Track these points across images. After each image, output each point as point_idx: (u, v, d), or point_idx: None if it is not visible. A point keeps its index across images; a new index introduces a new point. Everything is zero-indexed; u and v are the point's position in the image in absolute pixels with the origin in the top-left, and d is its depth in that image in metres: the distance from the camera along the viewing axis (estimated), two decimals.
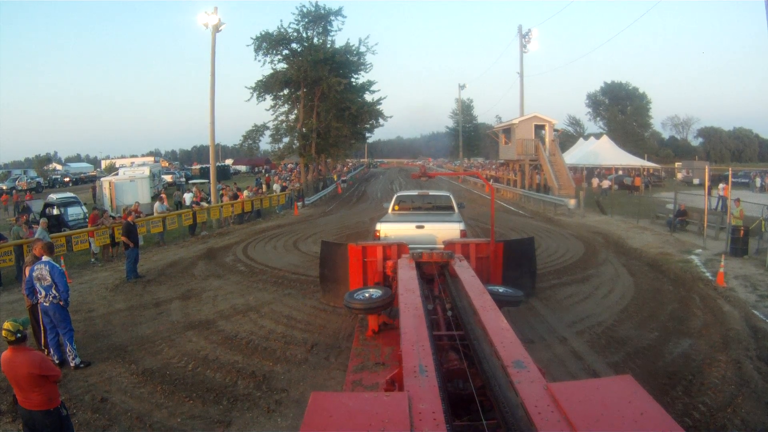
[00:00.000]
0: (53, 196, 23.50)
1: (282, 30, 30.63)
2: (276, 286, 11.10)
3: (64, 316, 6.95)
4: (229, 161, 73.82)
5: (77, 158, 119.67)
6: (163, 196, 21.01)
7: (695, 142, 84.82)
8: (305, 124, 32.03)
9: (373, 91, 36.98)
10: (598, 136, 52.04)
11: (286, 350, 7.38)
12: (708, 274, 10.93)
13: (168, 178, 46.85)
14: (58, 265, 7.08)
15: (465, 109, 73.71)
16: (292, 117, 34.14)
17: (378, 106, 36.94)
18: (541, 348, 7.13)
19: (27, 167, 73.45)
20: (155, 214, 17.87)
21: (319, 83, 30.59)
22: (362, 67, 34.15)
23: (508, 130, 32.94)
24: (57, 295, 6.78)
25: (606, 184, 33.97)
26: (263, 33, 30.44)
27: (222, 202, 23.01)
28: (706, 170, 17.82)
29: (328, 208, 28.29)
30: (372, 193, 37.72)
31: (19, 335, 4.30)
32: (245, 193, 24.97)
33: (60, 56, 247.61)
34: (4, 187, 42.91)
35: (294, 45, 31.44)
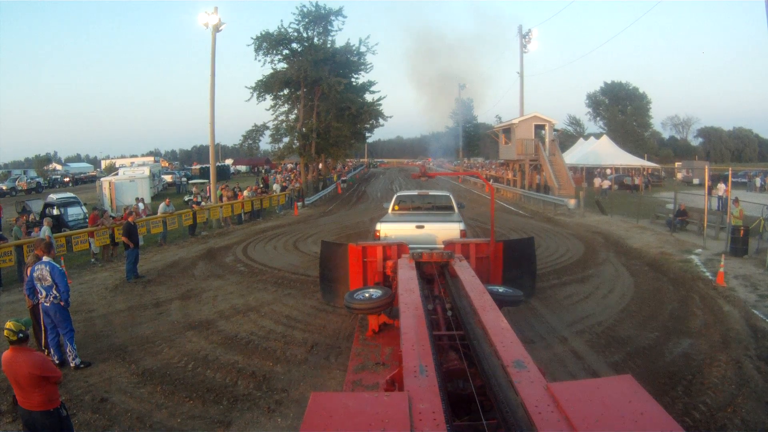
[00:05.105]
0: (53, 196, 23.50)
1: (282, 30, 30.62)
2: (276, 286, 11.10)
3: (64, 317, 6.96)
4: (229, 161, 73.79)
5: (77, 158, 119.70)
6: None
7: (695, 142, 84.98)
8: (305, 124, 32.02)
9: (374, 92, 37.01)
10: (598, 136, 51.98)
11: (286, 350, 7.38)
12: (708, 274, 10.93)
13: (168, 178, 46.88)
14: (58, 266, 7.09)
15: (465, 109, 73.65)
16: (292, 117, 34.12)
17: (378, 106, 36.95)
18: (541, 348, 7.13)
19: (27, 167, 73.49)
20: (159, 214, 17.92)
21: (319, 83, 30.58)
22: (362, 67, 34.15)
23: (508, 130, 32.94)
24: (57, 295, 6.79)
25: (606, 184, 33.98)
26: (263, 33, 30.45)
27: (222, 202, 23.00)
28: (706, 170, 17.84)
29: (328, 208, 28.28)
30: (372, 193, 37.72)
31: (21, 335, 4.31)
32: (245, 192, 24.98)
33: (60, 56, 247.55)
34: (5, 187, 42.93)
35: (294, 45, 31.43)
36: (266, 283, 11.33)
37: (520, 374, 3.13)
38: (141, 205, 18.91)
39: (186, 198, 26.69)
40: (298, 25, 31.14)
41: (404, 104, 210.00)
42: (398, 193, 12.78)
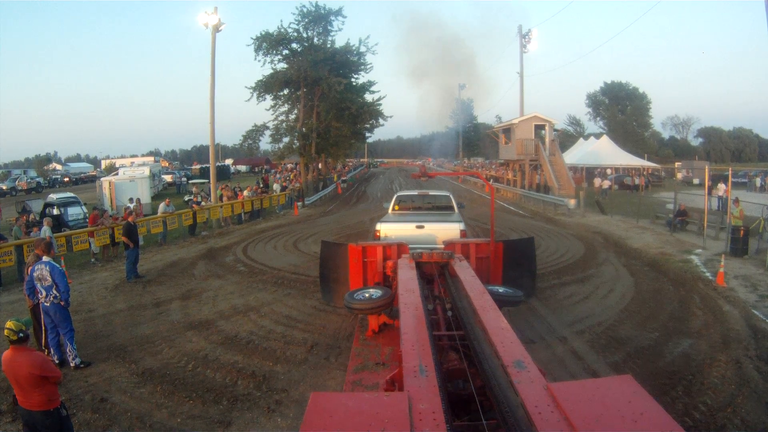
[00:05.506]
0: (53, 196, 23.48)
1: (282, 30, 30.62)
2: (276, 286, 11.10)
3: (64, 316, 6.96)
4: (229, 161, 73.73)
5: (77, 158, 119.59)
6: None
7: (695, 142, 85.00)
8: (305, 124, 32.02)
9: (374, 92, 37.01)
10: (598, 136, 52.04)
11: (286, 350, 7.38)
12: (708, 274, 10.93)
13: (168, 177, 46.90)
14: (58, 266, 7.09)
15: (465, 109, 73.66)
16: (292, 117, 34.13)
17: (378, 106, 36.94)
18: (541, 348, 7.12)
19: (27, 167, 73.51)
20: (159, 214, 17.92)
21: (319, 83, 30.57)
22: (362, 67, 34.15)
23: (508, 130, 32.93)
24: (57, 295, 6.79)
25: (606, 184, 33.98)
26: (263, 33, 30.45)
27: (222, 202, 22.99)
28: (706, 170, 17.82)
29: (328, 208, 28.29)
30: (372, 193, 37.72)
31: (21, 335, 4.31)
32: (245, 192, 24.98)
33: (60, 56, 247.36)
34: (5, 187, 42.93)
35: (294, 45, 31.43)
36: (266, 283, 11.32)
37: (520, 374, 3.13)
38: (136, 204, 19.06)
39: (186, 198, 26.68)
40: (298, 25, 31.17)
41: (404, 104, 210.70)
42: (398, 193, 12.78)
